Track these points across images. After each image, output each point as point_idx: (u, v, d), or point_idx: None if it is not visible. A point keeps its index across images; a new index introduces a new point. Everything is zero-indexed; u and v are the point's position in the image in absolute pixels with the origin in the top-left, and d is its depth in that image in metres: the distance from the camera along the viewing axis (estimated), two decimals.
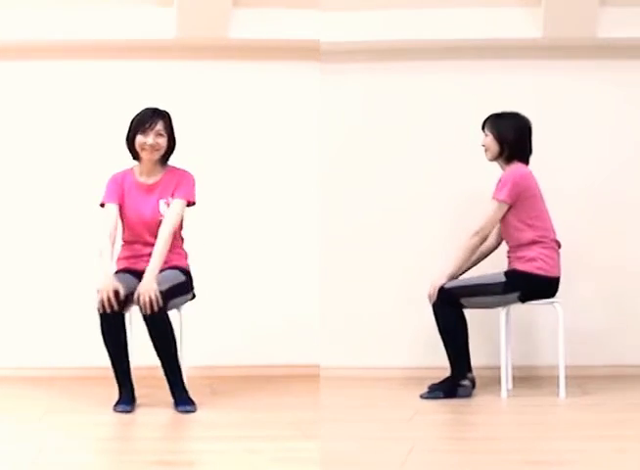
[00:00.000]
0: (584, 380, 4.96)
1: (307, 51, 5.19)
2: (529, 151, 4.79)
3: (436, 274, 4.74)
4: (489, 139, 4.77)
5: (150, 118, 4.48)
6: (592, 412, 4.34)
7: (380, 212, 5.36)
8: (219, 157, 5.35)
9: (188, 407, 4.33)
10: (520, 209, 4.67)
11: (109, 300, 4.28)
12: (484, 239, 4.77)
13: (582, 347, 5.17)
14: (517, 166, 4.74)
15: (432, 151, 5.35)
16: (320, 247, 5.29)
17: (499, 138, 4.74)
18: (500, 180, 4.71)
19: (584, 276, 5.10)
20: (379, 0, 5.19)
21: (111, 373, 4.39)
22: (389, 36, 5.21)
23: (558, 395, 4.62)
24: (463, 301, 4.69)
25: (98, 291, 4.33)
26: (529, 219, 4.68)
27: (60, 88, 5.30)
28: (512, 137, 4.73)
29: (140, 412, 4.32)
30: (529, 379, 5.10)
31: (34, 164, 5.28)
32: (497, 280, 4.67)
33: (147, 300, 4.27)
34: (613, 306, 5.26)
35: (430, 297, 4.72)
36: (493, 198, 4.68)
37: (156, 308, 4.27)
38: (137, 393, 4.41)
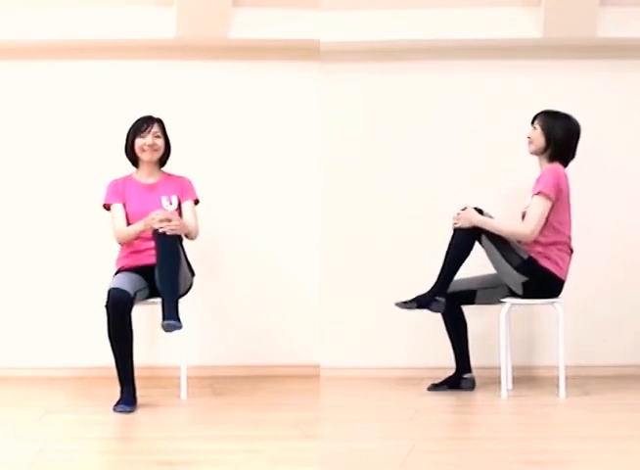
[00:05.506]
0: (584, 380, 4.96)
1: (307, 51, 5.19)
2: (572, 155, 4.77)
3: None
4: (537, 133, 4.73)
5: (146, 123, 4.74)
6: (592, 412, 4.34)
7: (380, 212, 5.36)
8: (219, 157, 5.35)
9: (172, 322, 4.28)
10: (554, 210, 4.65)
11: (166, 219, 4.42)
12: (532, 238, 4.64)
13: (582, 347, 5.17)
14: (559, 166, 4.71)
15: (431, 150, 5.35)
16: (320, 247, 5.29)
17: (548, 134, 4.70)
18: (542, 175, 4.68)
19: (584, 276, 5.10)
20: (379, 0, 5.20)
21: (110, 373, 4.39)
22: (390, 36, 5.21)
23: (558, 395, 4.62)
24: (483, 240, 4.65)
25: (147, 224, 4.48)
26: (557, 223, 4.66)
27: (59, 88, 5.30)
28: (561, 136, 4.71)
29: (140, 412, 4.31)
30: (529, 379, 5.10)
31: (34, 164, 5.28)
32: (519, 254, 4.64)
33: (171, 218, 4.44)
34: (612, 306, 5.26)
35: (458, 220, 4.70)
36: (540, 192, 4.62)
37: (176, 231, 4.44)
38: (137, 393, 4.40)
